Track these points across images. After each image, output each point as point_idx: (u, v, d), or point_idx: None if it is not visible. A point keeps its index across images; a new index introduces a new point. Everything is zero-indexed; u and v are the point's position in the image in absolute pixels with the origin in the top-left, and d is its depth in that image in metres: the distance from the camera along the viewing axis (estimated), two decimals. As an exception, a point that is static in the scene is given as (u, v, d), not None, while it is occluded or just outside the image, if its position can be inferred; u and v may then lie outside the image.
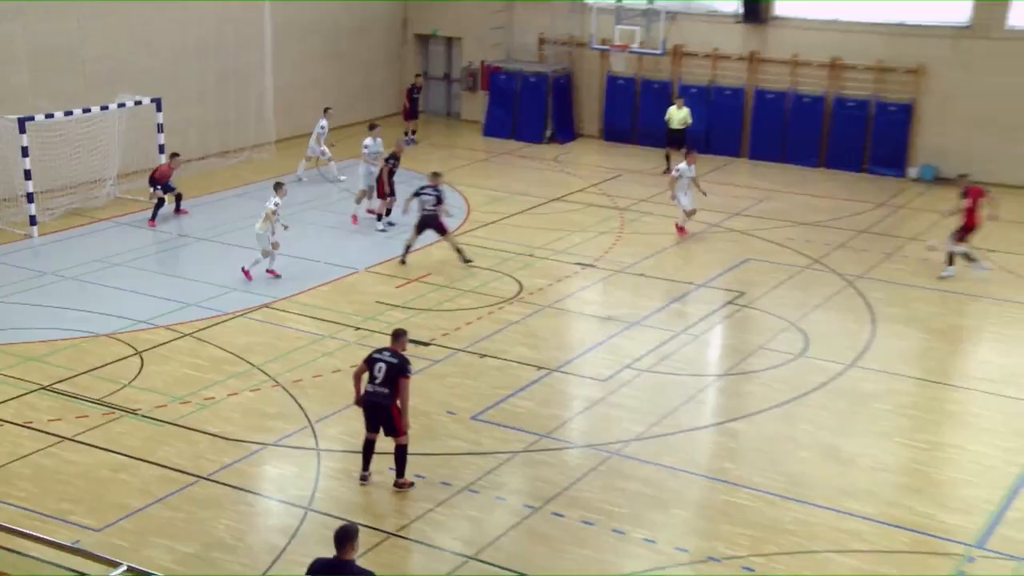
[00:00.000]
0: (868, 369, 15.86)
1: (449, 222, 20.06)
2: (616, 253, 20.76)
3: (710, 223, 22.64)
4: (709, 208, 23.61)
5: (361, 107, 31.21)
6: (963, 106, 25.97)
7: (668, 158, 25.96)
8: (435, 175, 20.07)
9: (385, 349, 12.30)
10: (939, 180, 26.20)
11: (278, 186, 19.03)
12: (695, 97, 28.66)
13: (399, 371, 12.04)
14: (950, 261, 19.64)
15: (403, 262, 19.71)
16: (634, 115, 29.56)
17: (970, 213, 19.36)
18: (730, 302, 18.42)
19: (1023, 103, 25.34)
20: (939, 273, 19.64)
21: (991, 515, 12.16)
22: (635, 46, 28.49)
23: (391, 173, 21.53)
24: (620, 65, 29.25)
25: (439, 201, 19.61)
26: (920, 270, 20.05)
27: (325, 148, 24.79)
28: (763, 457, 13.37)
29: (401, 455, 12.31)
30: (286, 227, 18.96)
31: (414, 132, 28.46)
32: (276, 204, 18.62)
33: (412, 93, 29.04)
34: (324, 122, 24.81)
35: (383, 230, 21.57)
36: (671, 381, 15.44)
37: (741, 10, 27.76)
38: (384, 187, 21.55)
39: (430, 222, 19.63)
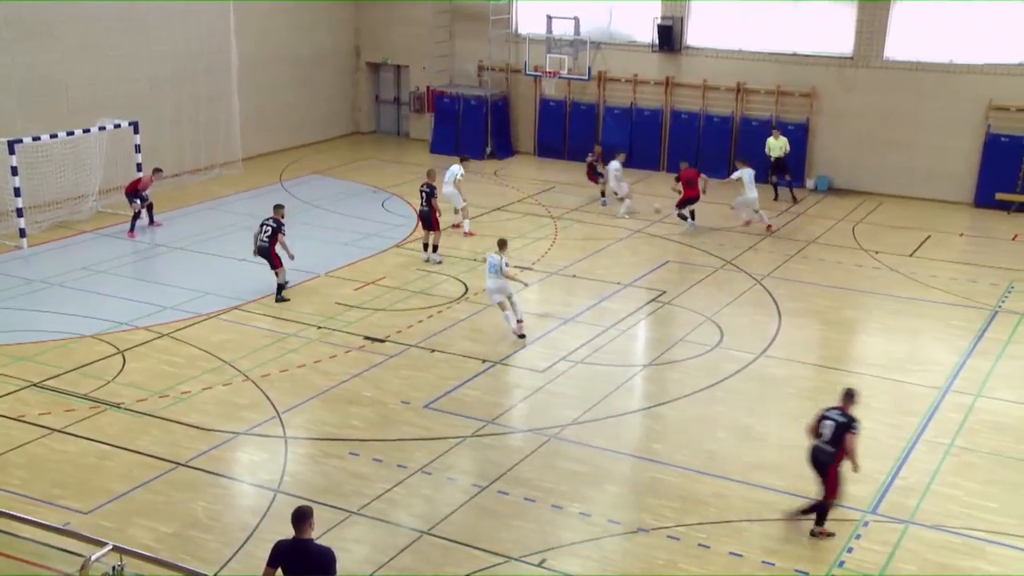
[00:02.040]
0: (775, 357, 16.00)
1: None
2: (551, 257, 20.75)
3: (633, 229, 22.73)
4: (633, 216, 23.74)
5: (319, 128, 30.98)
6: (849, 125, 26.41)
7: (776, 187, 25.41)
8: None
9: (834, 408, 11.23)
10: (833, 190, 26.61)
11: (502, 244, 16.64)
12: (618, 117, 28.82)
13: (846, 428, 10.98)
14: (685, 219, 22.61)
15: (438, 262, 19.71)
16: (564, 134, 29.61)
17: (690, 187, 22.26)
18: (653, 299, 18.49)
19: (898, 122, 25.83)
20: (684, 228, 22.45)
21: (882, 484, 12.33)
22: (564, 72, 28.56)
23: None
24: (551, 89, 29.27)
25: (431, 196, 19.58)
26: (818, 269, 20.30)
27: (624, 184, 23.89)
28: (685, 437, 13.43)
29: (823, 507, 11.27)
30: (527, 284, 17.60)
31: (603, 194, 25.30)
32: (506, 264, 16.34)
33: (593, 164, 25.61)
34: (617, 163, 23.84)
35: (439, 262, 19.78)
36: (602, 371, 15.44)
37: (656, 41, 27.92)
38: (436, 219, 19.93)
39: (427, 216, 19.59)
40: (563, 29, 28.77)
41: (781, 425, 13.80)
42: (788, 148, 25.54)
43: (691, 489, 12.11)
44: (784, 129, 26.70)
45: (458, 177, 21.84)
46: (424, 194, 19.92)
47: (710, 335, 16.80)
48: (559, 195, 25.67)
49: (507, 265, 16.35)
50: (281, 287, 17.83)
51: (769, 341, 16.60)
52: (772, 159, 25.45)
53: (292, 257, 17.96)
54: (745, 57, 27.17)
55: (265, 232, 17.73)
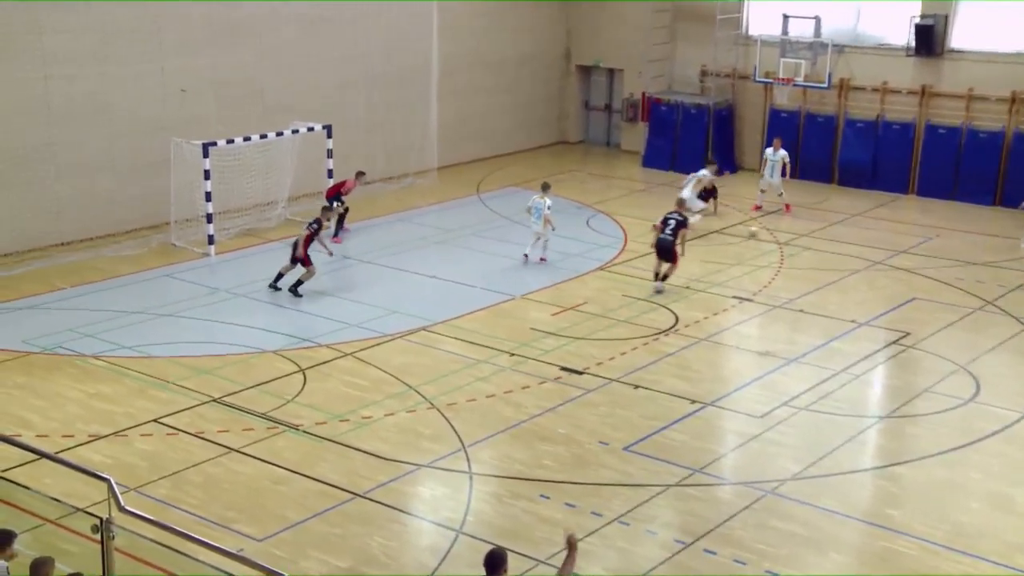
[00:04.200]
0: (1046, 418, 15.08)
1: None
2: (775, 287, 20.33)
3: (874, 260, 21.97)
4: (873, 244, 22.99)
5: (522, 137, 31.62)
6: None
7: None
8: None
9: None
10: None
11: (546, 187, 21.60)
12: (861, 132, 27.98)
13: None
14: None
15: (660, 291, 19.69)
16: (796, 148, 28.83)
17: None
18: (894, 342, 17.79)
19: None
20: None
21: None
22: (800, 79, 28.03)
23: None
24: (784, 98, 28.76)
25: (680, 226, 19.77)
26: (1101, 316, 18.99)
27: None
28: (928, 504, 12.82)
29: None
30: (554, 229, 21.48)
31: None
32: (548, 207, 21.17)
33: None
34: None
35: (661, 291, 19.75)
36: (830, 420, 14.98)
37: (913, 43, 26.93)
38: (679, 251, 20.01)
39: (667, 246, 19.68)
40: (801, 30, 28.25)
41: (1050, 499, 12.96)
42: None
43: (933, 566, 11.53)
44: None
45: (701, 179, 24.08)
46: (674, 222, 19.75)
47: (963, 387, 16.02)
48: (788, 218, 25.12)
49: (548, 208, 20.98)
50: (301, 282, 19.41)
51: (1038, 398, 15.67)
52: None
53: (331, 254, 20.33)
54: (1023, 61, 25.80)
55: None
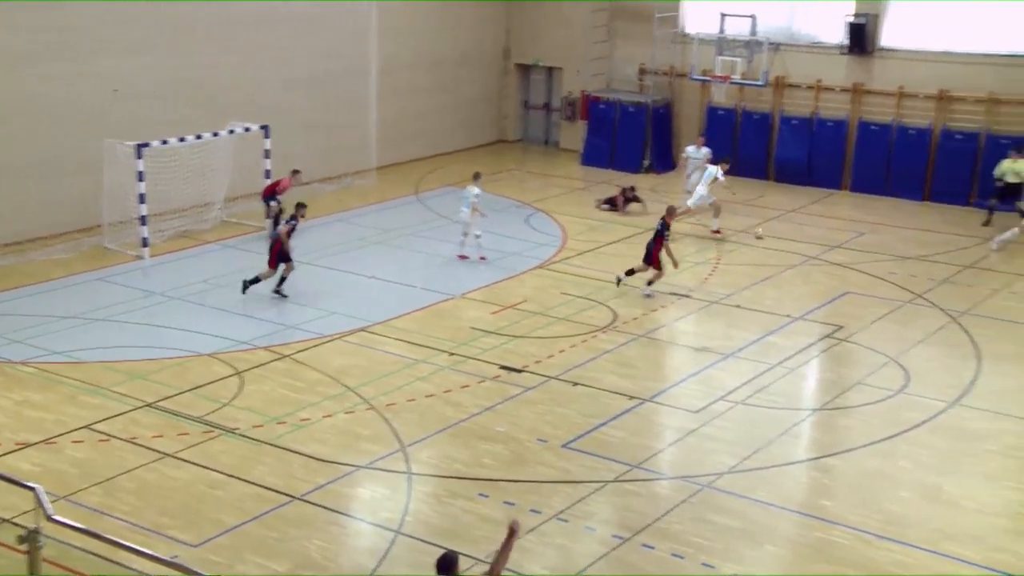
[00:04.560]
0: (973, 408, 15.35)
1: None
2: (712, 284, 20.53)
3: (808, 256, 22.25)
4: (808, 240, 23.27)
5: (461, 136, 31.60)
6: (1079, 139, 25.14)
7: (992, 211, 24.32)
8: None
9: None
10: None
11: (477, 176, 21.94)
12: (795, 129, 28.34)
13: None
14: None
15: (649, 295, 19.64)
16: (734, 146, 29.18)
17: None
18: (828, 335, 18.05)
19: None
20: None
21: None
22: (736, 77, 28.32)
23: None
24: (721, 96, 29.05)
25: (657, 235, 19.75)
26: (1028, 307, 19.42)
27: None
28: (860, 495, 13.02)
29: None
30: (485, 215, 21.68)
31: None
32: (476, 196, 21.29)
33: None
34: None
35: (650, 296, 19.67)
36: (765, 414, 15.14)
37: (846, 41, 27.33)
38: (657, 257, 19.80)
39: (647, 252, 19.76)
40: (737, 28, 28.54)
41: (979, 488, 13.21)
42: None
43: (865, 555, 11.71)
44: (995, 143, 25.60)
45: (717, 178, 23.45)
46: (655, 231, 19.87)
47: (893, 378, 16.28)
48: (724, 215, 25.31)
49: (476, 197, 21.11)
50: (258, 280, 19.17)
51: (965, 389, 15.95)
52: (1003, 184, 24.26)
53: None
54: (951, 59, 26.28)
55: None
